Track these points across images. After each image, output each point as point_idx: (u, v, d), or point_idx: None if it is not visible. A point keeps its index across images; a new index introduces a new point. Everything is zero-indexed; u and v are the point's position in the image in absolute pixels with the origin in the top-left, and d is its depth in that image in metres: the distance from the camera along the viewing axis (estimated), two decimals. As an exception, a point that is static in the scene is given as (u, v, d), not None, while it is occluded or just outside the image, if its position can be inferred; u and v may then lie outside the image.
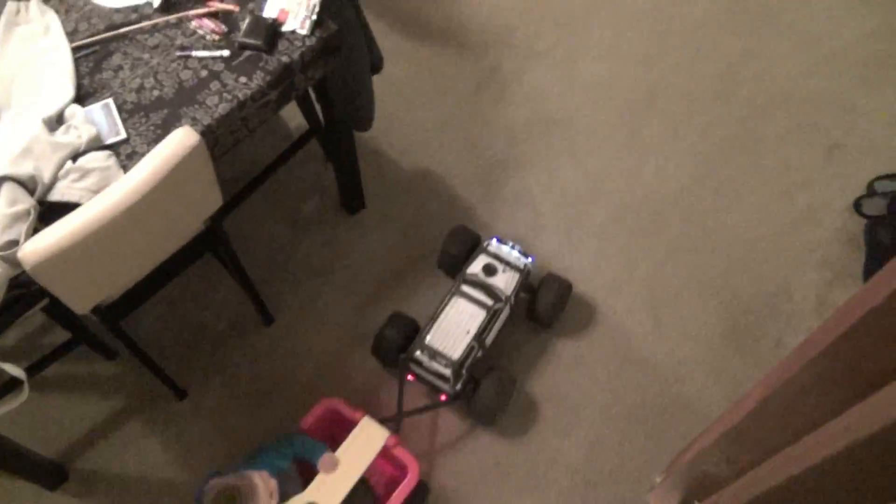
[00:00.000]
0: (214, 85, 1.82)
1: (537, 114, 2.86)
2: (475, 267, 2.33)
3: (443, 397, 2.25)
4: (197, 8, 1.94)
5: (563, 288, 2.36)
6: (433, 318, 2.25)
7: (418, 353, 2.19)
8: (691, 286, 2.54)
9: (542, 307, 2.34)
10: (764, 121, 2.85)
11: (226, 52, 1.87)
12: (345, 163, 2.48)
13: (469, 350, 2.19)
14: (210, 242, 2.10)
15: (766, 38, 3.03)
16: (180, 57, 1.87)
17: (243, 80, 1.83)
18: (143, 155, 1.59)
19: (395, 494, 1.91)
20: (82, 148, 1.69)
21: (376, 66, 2.49)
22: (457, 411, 2.32)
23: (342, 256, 2.61)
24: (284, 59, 1.86)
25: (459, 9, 3.11)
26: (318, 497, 1.80)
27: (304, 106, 2.60)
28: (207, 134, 1.76)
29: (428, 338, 2.20)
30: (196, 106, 1.79)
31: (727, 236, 2.63)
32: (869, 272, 2.53)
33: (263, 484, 1.70)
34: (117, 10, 1.94)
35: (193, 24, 1.92)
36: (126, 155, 1.73)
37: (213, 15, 1.93)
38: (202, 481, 1.76)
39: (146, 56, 1.87)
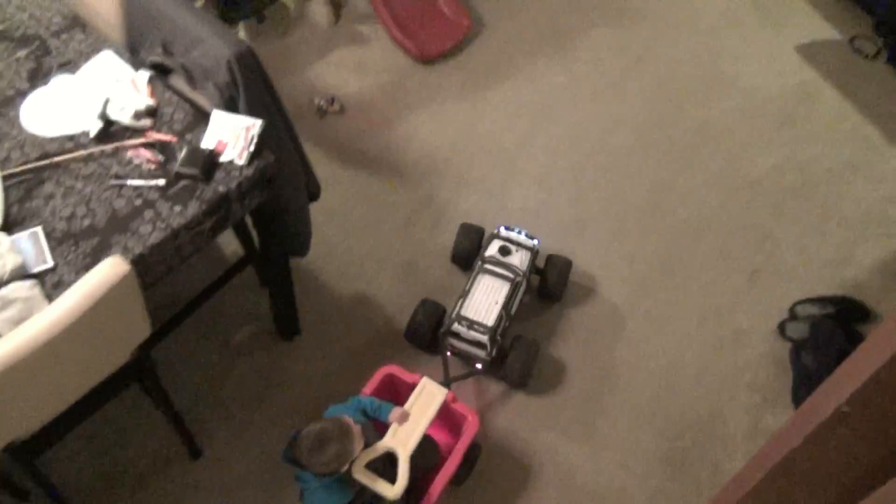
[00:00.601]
0: (148, 213, 1.81)
1: (472, 240, 2.92)
2: (492, 250, 2.64)
3: (478, 366, 2.50)
4: (134, 138, 1.96)
5: (564, 264, 2.72)
6: (463, 296, 2.52)
7: (456, 325, 2.46)
8: (626, 412, 2.55)
9: (551, 282, 2.69)
10: (687, 247, 2.97)
11: (161, 182, 1.87)
12: (280, 289, 2.47)
13: (500, 318, 2.47)
14: (136, 373, 2.03)
15: (686, 170, 3.20)
16: (114, 185, 1.86)
17: (178, 208, 1.82)
18: (70, 284, 1.55)
19: (460, 441, 2.16)
20: (5, 277, 1.64)
21: (313, 194, 2.52)
22: (491, 379, 2.59)
23: (275, 385, 2.55)
24: (221, 188, 1.87)
25: (396, 140, 3.22)
26: (394, 444, 2.00)
27: (240, 232, 2.60)
28: (139, 263, 1.74)
29: (463, 311, 2.47)
30: (128, 234, 1.77)
31: (658, 361, 2.68)
32: (797, 396, 2.59)
33: (354, 425, 1.88)
34: (52, 139, 1.94)
35: (130, 153, 1.93)
36: (52, 284, 1.68)
37: (151, 145, 1.95)
38: (287, 439, 1.91)
39: (79, 184, 1.86)
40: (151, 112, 2.01)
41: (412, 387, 2.16)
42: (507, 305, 2.49)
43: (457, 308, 2.48)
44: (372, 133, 3.24)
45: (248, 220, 2.43)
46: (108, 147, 1.93)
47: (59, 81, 2.04)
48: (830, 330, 2.62)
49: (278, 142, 2.09)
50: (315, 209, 2.52)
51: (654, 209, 3.07)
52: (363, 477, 1.94)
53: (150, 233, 1.78)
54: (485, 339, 2.43)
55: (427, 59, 3.46)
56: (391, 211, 3.01)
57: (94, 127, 1.94)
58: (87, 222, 1.79)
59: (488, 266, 2.57)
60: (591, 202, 3.08)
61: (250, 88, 1.95)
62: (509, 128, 3.28)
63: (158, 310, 1.98)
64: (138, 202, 1.83)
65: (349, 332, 2.68)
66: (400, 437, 2.02)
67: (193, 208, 1.83)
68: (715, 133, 3.33)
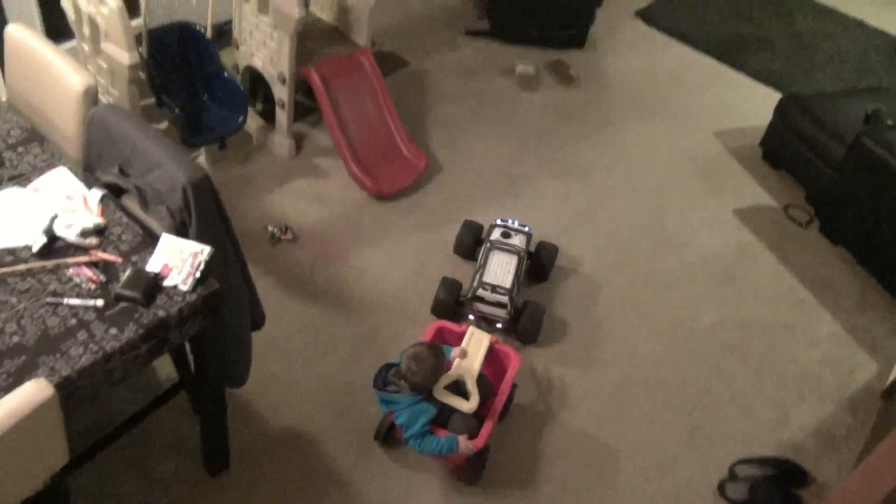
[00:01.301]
0: (81, 334, 1.75)
1: (415, 379, 2.89)
2: (495, 235, 3.22)
3: (499, 325, 3.04)
4: (78, 256, 1.92)
5: (552, 249, 3.32)
6: (480, 268, 3.08)
7: (481, 290, 2.99)
8: None
9: (542, 262, 3.27)
10: (629, 401, 2.97)
11: (100, 302, 1.82)
12: (212, 419, 2.37)
13: (514, 283, 3.02)
14: (48, 502, 1.89)
15: (626, 323, 3.26)
16: (50, 303, 1.80)
17: (114, 331, 1.77)
18: (-15, 407, 1.47)
19: (508, 374, 2.64)
20: (-84, 394, 1.54)
21: (257, 323, 2.48)
22: (507, 337, 3.05)
23: (195, 523, 2.40)
24: (161, 313, 1.83)
25: (347, 272, 3.23)
26: (461, 372, 2.51)
27: (176, 356, 2.52)
28: (64, 386, 1.66)
29: (484, 278, 3.02)
30: (57, 355, 1.70)
31: (599, 515, 2.61)
32: (735, 559, 2.53)
33: (442, 348, 2.43)
34: (-9, 252, 1.89)
35: (71, 271, 1.88)
36: (-34, 404, 1.58)
37: (94, 264, 1.91)
38: (379, 371, 2.50)
39: (13, 300, 1.80)
40: (99, 231, 1.98)
41: (461, 336, 2.66)
42: (517, 274, 3.05)
43: (478, 277, 3.04)
44: (323, 264, 3.25)
45: (187, 345, 2.37)
46: (49, 263, 1.88)
47: (8, 194, 2.02)
48: (768, 494, 2.60)
49: (226, 269, 2.07)
50: (257, 338, 2.48)
51: (594, 361, 3.09)
52: (443, 396, 2.45)
53: (80, 355, 1.71)
54: (505, 299, 2.97)
55: (383, 196, 3.54)
56: (335, 344, 2.97)
57: (38, 242, 1.90)
58: (15, 339, 1.72)
59: (497, 245, 3.16)
60: (532, 356, 3.09)
61: (203, 215, 1.96)
62: (459, 269, 3.32)
63: (78, 435, 1.88)
64: (72, 322, 1.78)
65: (281, 469, 2.56)
66: (464, 367, 2.53)
67: (129, 332, 1.77)
68: (658, 287, 3.43)
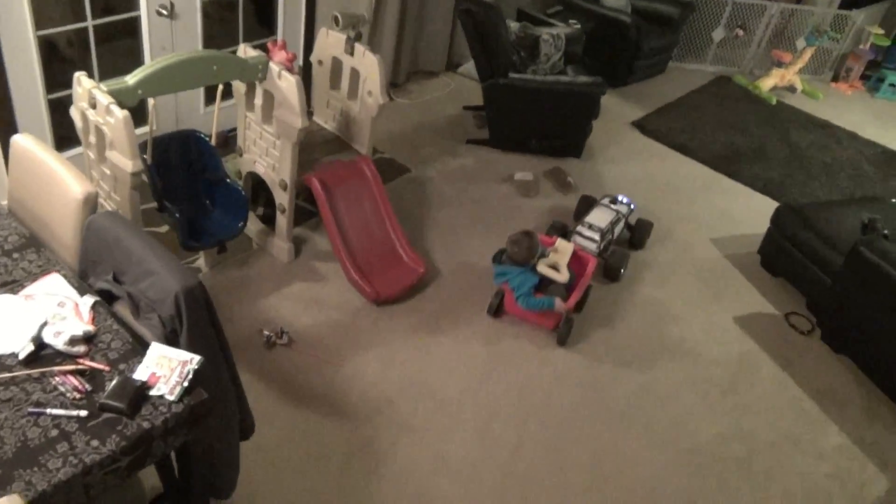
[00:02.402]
0: (62, 446, 1.71)
1: (405, 492, 2.79)
2: (604, 200, 4.19)
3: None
4: (65, 364, 1.90)
5: (647, 224, 4.20)
6: (585, 214, 4.04)
7: (580, 227, 3.91)
8: None
9: (636, 237, 4.18)
10: (632, 515, 2.86)
11: (83, 413, 1.78)
12: (195, 534, 2.27)
13: (608, 229, 3.90)
14: None
15: (630, 434, 3.18)
16: (32, 413, 1.77)
17: (95, 443, 1.72)
18: (-47, 525, 1.41)
19: (587, 271, 3.56)
20: None
21: (246, 431, 2.43)
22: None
23: None
24: (145, 424, 1.79)
25: (342, 378, 3.18)
26: (556, 258, 3.44)
27: (161, 466, 2.45)
28: (39, 501, 1.60)
29: (587, 219, 3.94)
30: (35, 469, 1.65)
31: None
32: None
33: (535, 232, 3.41)
34: (-23, 359, 1.87)
35: (57, 379, 1.86)
36: (-65, 521, 1.53)
37: (81, 373, 1.88)
38: (496, 253, 3.51)
39: (-6, 409, 1.76)
40: (89, 338, 1.96)
41: (552, 243, 3.60)
42: (612, 224, 3.94)
43: (581, 219, 3.97)
44: (318, 369, 3.20)
45: (172, 454, 2.30)
46: (35, 372, 1.86)
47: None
48: None
49: (215, 379, 2.04)
50: (245, 446, 2.42)
51: (596, 474, 3.00)
52: (543, 269, 3.42)
53: (59, 468, 1.66)
54: (598, 236, 3.84)
55: (381, 301, 3.53)
56: (327, 453, 2.89)
57: (25, 350, 1.88)
58: (-8, 451, 1.67)
59: (602, 203, 4.10)
60: (532, 463, 3.00)
61: (194, 323, 1.94)
62: (456, 376, 3.27)
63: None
64: (54, 433, 1.73)
65: (265, 589, 2.45)
66: (557, 255, 3.48)
67: (111, 444, 1.73)
68: (660, 396, 3.36)
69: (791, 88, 6.34)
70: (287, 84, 3.18)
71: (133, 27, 3.79)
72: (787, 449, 3.22)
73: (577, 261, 3.59)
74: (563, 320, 3.45)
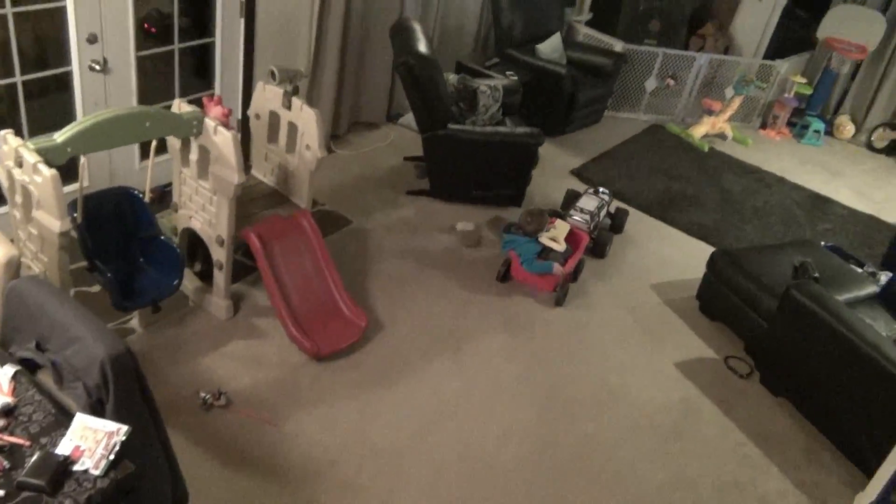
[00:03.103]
0: (-26, 532, 1.60)
1: (353, 556, 2.70)
2: (590, 190, 4.91)
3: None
4: (-19, 440, 1.79)
5: (624, 212, 4.94)
6: (575, 200, 4.71)
7: (572, 211, 4.54)
8: None
9: (617, 222, 4.91)
10: (581, 570, 2.82)
11: (0, 493, 1.68)
12: None
13: (596, 212, 4.59)
14: None
15: (578, 485, 3.16)
16: (-57, 497, 1.66)
17: (12, 526, 1.62)
18: None
19: (580, 245, 4.32)
20: None
21: (179, 501, 2.33)
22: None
23: None
24: (67, 502, 1.69)
25: (282, 438, 3.09)
26: (555, 234, 4.19)
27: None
28: None
29: (578, 204, 4.61)
30: (-56, 557, 1.54)
31: None
32: None
33: (544, 211, 4.33)
34: None
35: (-29, 457, 1.75)
36: None
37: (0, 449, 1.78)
38: (504, 226, 4.36)
39: None
40: (8, 411, 1.87)
41: (552, 223, 4.30)
42: (598, 209, 4.64)
43: (573, 204, 4.64)
44: (257, 431, 3.11)
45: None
46: (-52, 450, 1.75)
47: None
48: None
49: (144, 449, 1.96)
50: (179, 519, 2.31)
51: (545, 525, 2.96)
52: (545, 240, 4.15)
53: (-29, 555, 1.55)
54: (588, 217, 4.51)
55: (322, 357, 3.47)
56: (267, 519, 2.79)
57: (-63, 426, 1.77)
58: None
59: (589, 192, 4.81)
60: (481, 515, 2.95)
61: (121, 392, 1.87)
62: (401, 432, 3.22)
63: None
64: (-34, 516, 1.63)
65: None
66: (556, 232, 4.22)
67: (30, 526, 1.63)
68: (605, 445, 3.36)
69: (722, 135, 6.56)
70: (223, 139, 3.14)
71: (65, 82, 3.72)
72: (732, 495, 3.24)
73: (572, 237, 4.29)
74: (560, 283, 4.11)
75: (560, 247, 4.14)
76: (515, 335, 3.89)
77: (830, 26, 6.80)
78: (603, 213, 4.73)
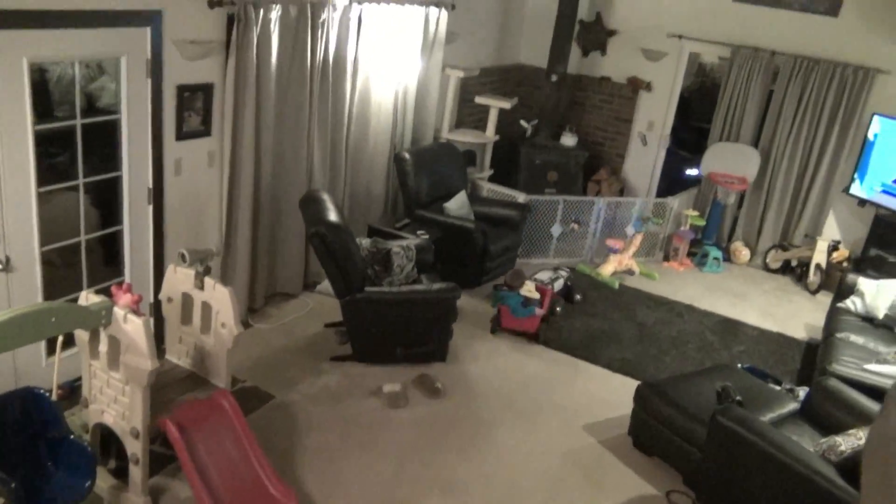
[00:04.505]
0: None
1: None
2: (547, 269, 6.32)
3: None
4: None
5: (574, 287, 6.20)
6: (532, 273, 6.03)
7: (534, 278, 5.93)
8: None
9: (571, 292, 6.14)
10: None
11: None
12: None
13: (550, 280, 5.97)
14: None
15: None
16: None
17: None
18: None
19: (548, 295, 5.65)
20: None
21: None
22: None
23: None
24: None
25: None
26: (529, 289, 5.47)
27: None
28: None
29: (536, 276, 6.00)
30: None
31: None
32: None
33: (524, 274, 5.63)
34: None
35: None
36: None
37: None
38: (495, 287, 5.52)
39: None
40: None
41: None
42: (552, 279, 5.94)
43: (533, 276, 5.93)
44: None
45: None
46: None
47: None
48: None
49: None
50: None
51: None
52: (525, 292, 5.36)
53: None
54: (547, 279, 5.97)
55: (252, 546, 3.26)
56: None
57: None
58: None
59: (544, 269, 6.17)
60: None
61: None
62: None
63: None
64: None
65: None
66: (528, 287, 5.41)
67: None
68: None
69: (629, 271, 6.83)
70: (133, 327, 3.07)
71: (-37, 285, 3.61)
72: None
73: (540, 291, 5.52)
74: (539, 325, 5.39)
75: (535, 295, 5.39)
76: (453, 499, 3.77)
77: (711, 163, 7.36)
78: (558, 283, 5.99)
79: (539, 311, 5.34)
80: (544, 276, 6.03)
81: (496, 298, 5.42)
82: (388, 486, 3.78)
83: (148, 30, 4.04)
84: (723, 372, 4.49)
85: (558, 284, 5.96)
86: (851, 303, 5.54)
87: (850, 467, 3.25)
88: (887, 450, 0.96)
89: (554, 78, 7.56)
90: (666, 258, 7.39)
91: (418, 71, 6.34)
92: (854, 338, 5.09)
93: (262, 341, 4.97)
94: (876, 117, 6.64)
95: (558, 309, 5.79)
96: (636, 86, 7.90)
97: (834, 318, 5.44)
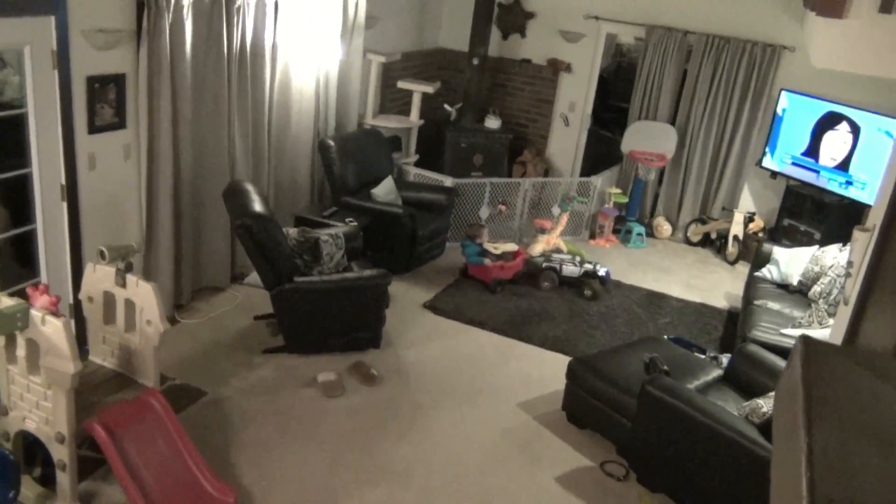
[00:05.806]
0: None
1: None
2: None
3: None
4: None
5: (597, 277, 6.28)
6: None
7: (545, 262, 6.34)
8: None
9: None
10: None
11: None
12: None
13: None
14: None
15: None
16: None
17: None
18: None
19: (520, 255, 6.20)
20: None
21: None
22: None
23: None
24: None
25: None
26: (497, 245, 6.22)
27: None
28: None
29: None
30: None
31: None
32: None
33: (484, 228, 6.29)
34: None
35: None
36: None
37: None
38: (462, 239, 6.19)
39: None
40: None
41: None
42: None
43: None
44: None
45: None
46: None
47: None
48: None
49: None
50: None
51: None
52: (487, 245, 6.07)
53: None
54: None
55: (190, 546, 3.19)
56: None
57: None
58: None
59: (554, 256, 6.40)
60: None
61: None
62: None
63: None
64: None
65: None
66: (503, 246, 6.18)
67: None
68: (501, 579, 3.26)
69: (558, 250, 6.94)
70: (53, 328, 2.95)
71: None
72: None
73: (516, 255, 6.12)
74: (493, 280, 5.94)
75: (495, 251, 6.00)
76: (394, 484, 3.77)
77: (631, 141, 7.54)
78: (568, 268, 6.27)
79: (488, 262, 5.91)
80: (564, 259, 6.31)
81: (463, 246, 6.14)
82: (328, 476, 3.76)
83: (52, 18, 3.86)
84: (650, 344, 4.62)
85: (569, 269, 6.16)
86: (767, 271, 5.78)
87: (771, 427, 3.39)
88: (793, 397, 1.02)
89: (475, 61, 7.59)
90: (592, 236, 7.54)
91: (339, 56, 6.25)
92: (771, 304, 5.31)
93: (191, 337, 4.85)
94: (784, 93, 6.91)
95: (546, 285, 6.13)
96: (556, 67, 8.00)
97: (752, 286, 5.67)
